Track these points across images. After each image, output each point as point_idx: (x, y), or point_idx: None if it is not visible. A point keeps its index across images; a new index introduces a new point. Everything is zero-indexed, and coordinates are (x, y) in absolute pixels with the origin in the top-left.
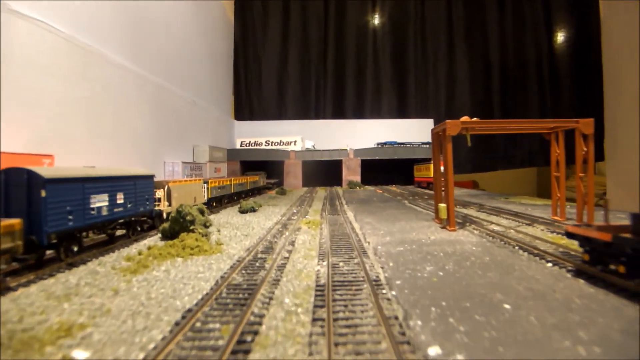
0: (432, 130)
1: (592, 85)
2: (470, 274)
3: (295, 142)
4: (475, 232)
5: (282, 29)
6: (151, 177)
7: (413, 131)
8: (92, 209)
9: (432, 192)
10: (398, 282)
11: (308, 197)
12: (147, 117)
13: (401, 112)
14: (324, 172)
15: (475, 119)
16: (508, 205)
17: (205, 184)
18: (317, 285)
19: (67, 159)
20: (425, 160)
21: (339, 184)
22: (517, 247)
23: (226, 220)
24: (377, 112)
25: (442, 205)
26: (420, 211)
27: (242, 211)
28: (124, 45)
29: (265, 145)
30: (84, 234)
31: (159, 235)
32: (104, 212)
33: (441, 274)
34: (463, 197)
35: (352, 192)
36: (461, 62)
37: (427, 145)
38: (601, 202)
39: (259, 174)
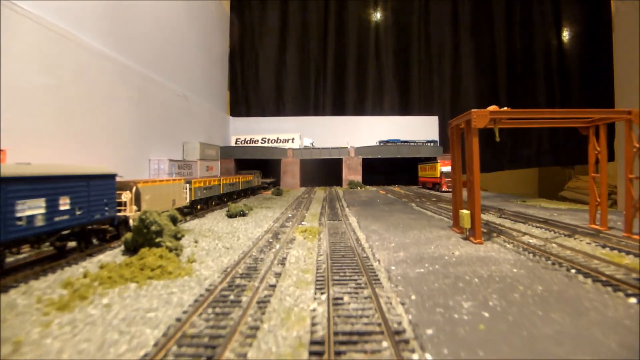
0: (450, 122)
1: (603, 83)
2: (527, 316)
3: (293, 139)
4: (508, 245)
5: (281, 21)
6: (112, 176)
7: (416, 129)
8: (19, 218)
9: (439, 193)
10: (429, 331)
11: (306, 199)
12: (129, 109)
13: (404, 109)
14: (323, 171)
15: (505, 108)
16: (529, 210)
17: (188, 184)
18: (311, 342)
19: (27, 155)
20: (430, 160)
21: (339, 184)
22: (572, 270)
23: (209, 226)
24: (379, 109)
25: (465, 212)
26: (432, 216)
27: (230, 215)
28: (102, 29)
29: (262, 142)
30: (8, 251)
31: (123, 247)
32: (39, 222)
33: (486, 315)
34: (466, 199)
35: (353, 193)
36: (467, 58)
37: (432, 144)
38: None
39: (254, 173)
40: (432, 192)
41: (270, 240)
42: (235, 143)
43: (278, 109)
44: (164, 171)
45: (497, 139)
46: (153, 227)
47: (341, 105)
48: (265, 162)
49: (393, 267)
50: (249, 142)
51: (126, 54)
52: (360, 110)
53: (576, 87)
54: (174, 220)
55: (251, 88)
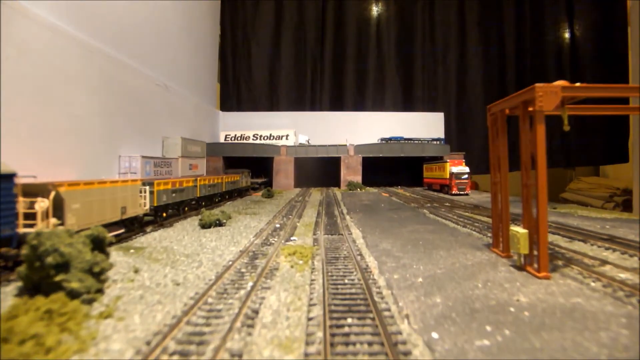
0: (489, 108)
1: (617, 80)
2: None
3: (287, 136)
4: (592, 283)
5: (275, 10)
6: (7, 176)
7: (420, 126)
8: None
9: (450, 197)
10: None
11: (299, 202)
12: (94, 98)
13: (407, 104)
14: (320, 171)
15: (577, 84)
16: (569, 220)
17: (147, 187)
18: None
19: None
20: (436, 159)
21: (337, 184)
22: None
23: (169, 243)
24: (379, 104)
25: (522, 232)
26: (455, 228)
27: (204, 225)
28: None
29: (253, 139)
30: None
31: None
32: None
33: None
34: (484, 204)
35: (352, 196)
36: (474, 51)
37: (438, 142)
38: (607, 205)
39: (242, 172)
40: (441, 195)
41: (244, 268)
42: (225, 139)
43: (272, 104)
44: (136, 170)
45: (567, 127)
46: (50, 259)
47: (339, 100)
48: (257, 160)
49: (435, 336)
50: (239, 138)
51: (91, 32)
52: (359, 105)
53: (589, 82)
54: (99, 244)
55: (243, 81)
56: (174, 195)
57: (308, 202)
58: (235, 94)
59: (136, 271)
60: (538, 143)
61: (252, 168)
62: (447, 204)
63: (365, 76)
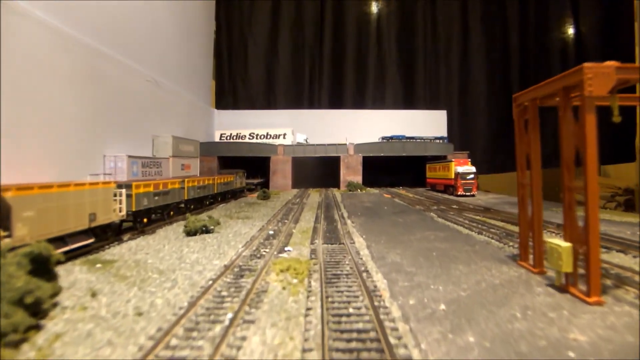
0: (515, 97)
1: None
2: None
3: (284, 135)
4: None
5: (273, 5)
6: None
7: (422, 124)
8: None
9: (455, 198)
10: None
11: (297, 205)
12: (76, 92)
13: (408, 102)
14: (319, 171)
15: (635, 64)
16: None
17: (124, 189)
18: None
19: None
20: (439, 158)
21: (336, 185)
22: None
23: (144, 255)
24: (380, 102)
25: (565, 246)
26: (469, 235)
27: (189, 232)
28: None
29: (250, 138)
30: None
31: None
32: None
33: None
34: (494, 206)
35: (353, 197)
36: (477, 47)
37: (441, 141)
38: (609, 205)
39: (236, 172)
40: (446, 196)
41: (224, 293)
42: (220, 139)
43: (269, 102)
44: (122, 170)
45: (618, 119)
46: None
47: (339, 97)
48: (253, 160)
49: None
50: (235, 137)
51: (72, 21)
52: (359, 103)
53: None
54: (42, 263)
55: (239, 78)
56: (156, 198)
57: (306, 205)
58: (231, 91)
59: (93, 295)
60: (587, 137)
61: (248, 168)
62: (454, 206)
63: (365, 74)
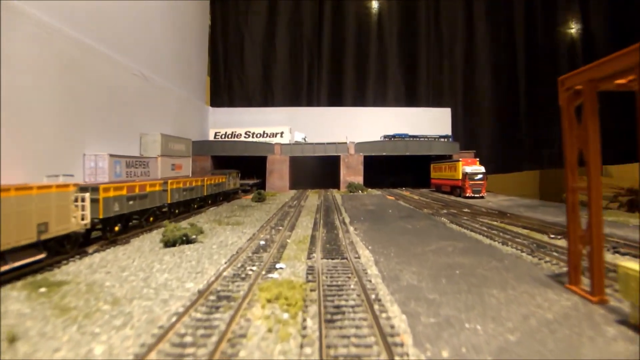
0: (562, 80)
1: None
2: None
3: (282, 133)
4: None
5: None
6: None
7: (426, 122)
8: None
9: (463, 200)
10: None
11: (294, 208)
12: (52, 86)
13: (410, 99)
14: (318, 171)
15: None
16: (629, 232)
17: (88, 193)
18: None
19: None
20: (444, 158)
21: (336, 186)
22: None
23: (104, 274)
24: (381, 100)
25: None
26: (492, 245)
27: (167, 243)
28: None
29: (245, 137)
30: None
31: None
32: None
33: None
34: (509, 209)
35: (354, 199)
36: (482, 42)
37: (445, 139)
38: (612, 205)
39: (228, 173)
40: (453, 198)
41: (188, 338)
42: (215, 137)
43: (266, 99)
44: (103, 171)
45: None
46: None
47: (338, 95)
48: (249, 160)
49: None
50: (230, 136)
51: (50, 9)
52: (360, 100)
53: None
54: None
55: (235, 75)
56: (131, 203)
57: (304, 208)
58: (227, 89)
59: (12, 340)
60: None
61: (244, 168)
62: (466, 210)
63: (365, 70)
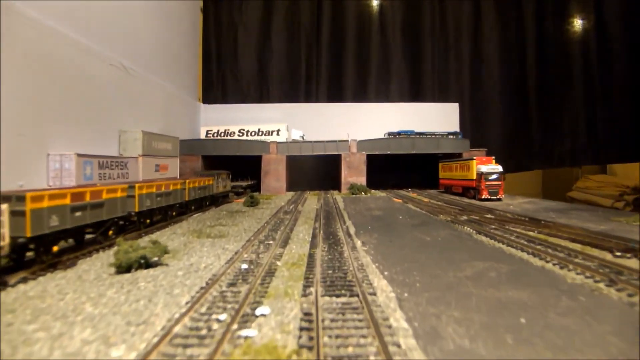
0: None
1: None
2: None
3: (278, 131)
4: None
5: None
6: None
7: (432, 118)
8: None
9: (480, 203)
10: None
11: (289, 214)
12: (12, 75)
13: (415, 94)
14: (317, 171)
15: None
16: None
17: (6, 204)
18: None
19: None
20: (452, 156)
21: (337, 187)
22: None
23: (6, 325)
24: (384, 95)
25: None
26: (547, 269)
27: (120, 268)
28: None
29: (239, 135)
30: None
31: None
32: None
33: None
34: (537, 214)
35: (356, 201)
36: (490, 34)
37: (454, 136)
38: (617, 204)
39: (217, 174)
40: (467, 200)
41: None
42: (206, 136)
43: (261, 95)
44: (70, 173)
45: None
46: None
47: (338, 90)
48: (244, 160)
49: None
50: (222, 134)
51: None
52: (361, 96)
53: (620, 73)
54: None
55: (228, 69)
56: (77, 214)
57: (301, 213)
58: (220, 84)
59: None
60: None
61: (239, 169)
62: (488, 216)
63: (367, 64)
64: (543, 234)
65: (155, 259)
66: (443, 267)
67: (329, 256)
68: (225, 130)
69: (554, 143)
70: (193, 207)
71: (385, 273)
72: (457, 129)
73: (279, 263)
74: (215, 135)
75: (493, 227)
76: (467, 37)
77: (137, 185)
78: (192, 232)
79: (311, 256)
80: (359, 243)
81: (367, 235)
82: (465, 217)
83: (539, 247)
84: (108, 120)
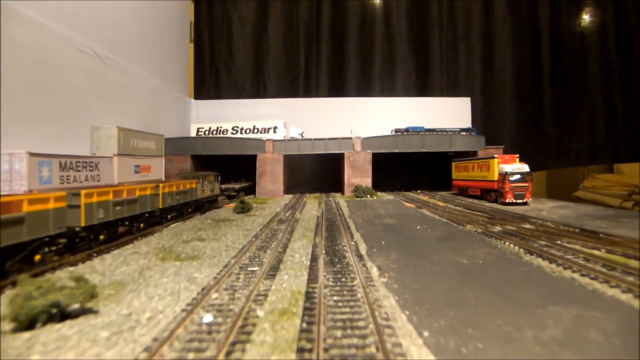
0: None
1: None
2: None
3: (275, 128)
4: None
5: None
6: None
7: (441, 114)
8: None
9: (504, 207)
10: None
11: (285, 224)
12: None
13: (422, 88)
14: (317, 172)
15: None
16: None
17: None
18: None
19: None
20: (465, 155)
21: (339, 189)
22: None
23: None
24: (389, 89)
25: None
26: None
27: (21, 322)
28: None
29: (233, 132)
30: None
31: None
32: None
33: None
34: (580, 222)
35: (362, 206)
36: (502, 25)
37: (467, 133)
38: (625, 204)
39: (203, 176)
40: (488, 204)
41: None
42: (197, 134)
43: (257, 90)
44: (21, 175)
45: None
46: None
47: (340, 84)
48: (238, 160)
49: None
50: (215, 132)
51: None
52: (365, 90)
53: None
54: None
55: (222, 63)
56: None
57: (299, 222)
58: (214, 79)
59: None
60: None
61: (232, 170)
62: (526, 226)
63: (371, 56)
64: (612, 253)
65: (76, 306)
66: (510, 319)
67: (336, 296)
68: (217, 127)
69: (569, 140)
70: (170, 216)
71: (426, 334)
72: (470, 125)
73: (260, 312)
74: (207, 133)
75: (543, 243)
76: (477, 26)
77: (83, 192)
78: (160, 250)
79: (309, 296)
80: (374, 270)
81: (383, 256)
82: (498, 228)
83: (629, 278)
84: (78, 115)
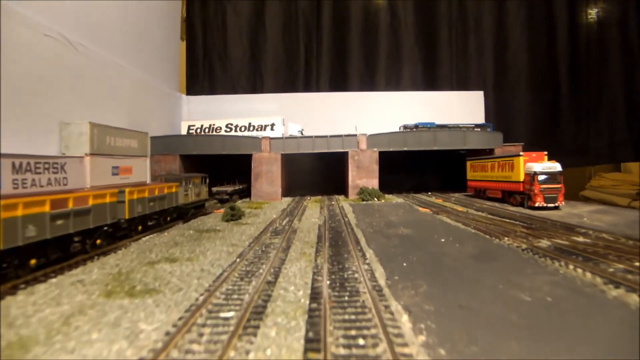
0: None
1: None
2: None
3: (272, 125)
4: None
5: None
6: None
7: (451, 109)
8: None
9: (534, 212)
10: None
11: (280, 237)
12: None
13: (429, 82)
14: (318, 172)
15: None
16: None
17: None
18: None
19: None
20: (480, 153)
21: (343, 191)
22: None
23: None
24: (394, 83)
25: None
26: None
27: None
28: None
29: (226, 130)
30: None
31: None
32: None
33: None
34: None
35: (370, 212)
36: (515, 15)
37: (480, 129)
38: (634, 204)
39: (186, 178)
40: (513, 208)
41: None
42: (188, 132)
43: (254, 85)
44: None
45: None
46: None
47: (342, 79)
48: (234, 160)
49: None
50: (207, 130)
51: None
52: (368, 84)
53: None
54: None
55: (216, 56)
56: None
57: (297, 234)
58: (207, 74)
59: None
60: None
61: (227, 171)
62: (580, 239)
63: (375, 48)
64: None
65: None
66: None
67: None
68: (210, 125)
69: (587, 136)
70: (141, 227)
71: None
72: (483, 121)
73: None
74: (199, 131)
75: (620, 266)
76: (488, 16)
77: (2, 202)
78: (112, 278)
79: None
80: (404, 318)
81: (410, 288)
82: (546, 242)
83: None
84: (44, 109)
